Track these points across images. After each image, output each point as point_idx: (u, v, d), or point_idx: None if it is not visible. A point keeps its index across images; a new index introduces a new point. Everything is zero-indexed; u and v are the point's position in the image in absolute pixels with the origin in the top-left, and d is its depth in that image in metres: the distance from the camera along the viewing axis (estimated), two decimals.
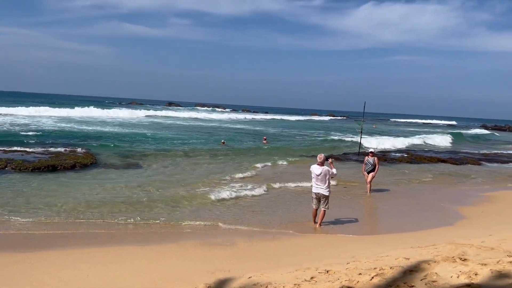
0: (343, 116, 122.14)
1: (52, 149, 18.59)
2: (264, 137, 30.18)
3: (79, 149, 18.85)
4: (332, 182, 10.77)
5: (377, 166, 14.57)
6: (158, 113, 64.03)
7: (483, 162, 24.49)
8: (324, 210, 9.57)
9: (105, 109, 56.71)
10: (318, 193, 9.58)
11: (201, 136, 31.25)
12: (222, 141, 26.07)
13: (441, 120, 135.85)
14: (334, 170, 9.71)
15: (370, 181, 14.33)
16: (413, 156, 25.01)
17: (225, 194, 11.81)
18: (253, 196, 11.99)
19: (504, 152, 32.83)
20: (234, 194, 11.90)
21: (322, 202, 9.59)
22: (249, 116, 77.47)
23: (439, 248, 7.20)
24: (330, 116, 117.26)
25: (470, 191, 14.81)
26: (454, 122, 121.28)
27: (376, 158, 14.82)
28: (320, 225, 9.52)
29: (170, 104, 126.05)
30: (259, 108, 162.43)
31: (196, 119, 57.49)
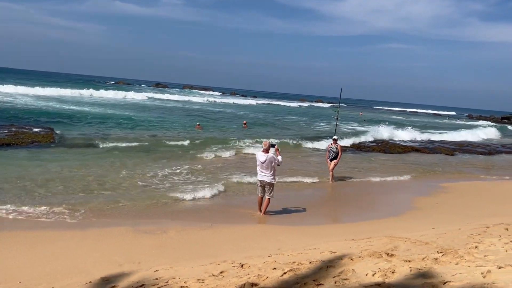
0: (331, 103, 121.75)
1: (14, 128, 18.00)
2: (244, 122, 29.75)
3: (37, 129, 18.19)
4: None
5: (339, 154, 14.38)
6: (155, 95, 62.25)
7: (456, 153, 24.45)
8: (269, 199, 9.24)
9: (90, 89, 55.35)
10: (263, 180, 9.24)
11: (180, 119, 30.72)
12: (198, 123, 25.55)
13: (429, 109, 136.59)
14: (279, 158, 9.35)
15: (333, 169, 14.13)
16: (387, 144, 24.86)
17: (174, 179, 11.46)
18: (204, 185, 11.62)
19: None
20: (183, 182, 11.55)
21: (267, 190, 9.26)
22: (237, 100, 76.39)
23: (373, 241, 6.98)
24: (318, 102, 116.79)
25: (431, 181, 14.64)
26: (450, 112, 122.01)
27: (339, 145, 14.67)
28: (264, 213, 9.21)
29: (157, 85, 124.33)
30: (248, 92, 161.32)
31: (183, 101, 56.57)
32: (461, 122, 68.76)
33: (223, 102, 65.39)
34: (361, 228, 8.28)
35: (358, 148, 22.43)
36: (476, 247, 6.62)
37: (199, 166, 13.58)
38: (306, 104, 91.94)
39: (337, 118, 26.83)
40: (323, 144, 20.68)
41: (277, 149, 9.50)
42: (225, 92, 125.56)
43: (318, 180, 13.35)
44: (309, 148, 20.92)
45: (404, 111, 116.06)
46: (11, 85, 47.63)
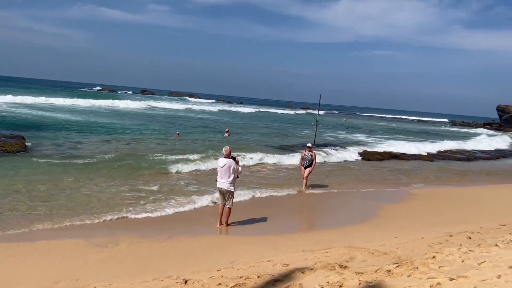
0: (311, 109, 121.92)
1: None
2: (226, 129, 29.44)
3: (6, 138, 17.77)
4: None
5: (314, 161, 14.25)
6: (140, 103, 60.91)
7: (435, 159, 24.57)
8: (229, 208, 8.89)
9: (74, 98, 54.48)
10: (221, 188, 8.82)
11: (163, 126, 30.38)
12: (177, 132, 25.19)
13: (411, 115, 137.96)
14: (239, 168, 9.02)
15: (307, 176, 13.98)
16: (366, 152, 24.89)
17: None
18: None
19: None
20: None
21: (226, 198, 8.90)
22: (223, 107, 75.83)
23: (331, 252, 6.83)
24: (305, 108, 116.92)
25: (402, 187, 14.59)
26: (434, 119, 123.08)
27: (313, 153, 14.51)
28: (226, 224, 8.90)
29: (143, 92, 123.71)
30: (235, 98, 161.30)
31: (168, 109, 56.01)
32: (454, 129, 69.01)
33: (209, 110, 64.95)
34: (323, 237, 8.12)
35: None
36: (433, 257, 6.50)
37: (166, 178, 13.16)
38: (292, 112, 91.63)
39: (316, 125, 27.20)
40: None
41: (237, 161, 9.11)
42: (212, 98, 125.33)
43: (290, 189, 13.16)
44: (286, 156, 20.64)
45: (393, 117, 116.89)
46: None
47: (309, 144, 14.89)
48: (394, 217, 10.26)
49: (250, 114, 64.53)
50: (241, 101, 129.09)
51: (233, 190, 8.92)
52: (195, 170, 14.94)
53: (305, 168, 14.09)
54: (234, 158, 8.93)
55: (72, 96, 58.01)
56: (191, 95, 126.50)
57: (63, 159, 14.74)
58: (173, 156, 16.24)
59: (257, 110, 77.02)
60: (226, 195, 8.87)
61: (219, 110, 66.68)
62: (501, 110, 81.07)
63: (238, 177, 9.07)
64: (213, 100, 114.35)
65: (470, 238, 7.93)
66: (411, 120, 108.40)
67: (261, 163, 17.61)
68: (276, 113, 75.39)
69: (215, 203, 10.13)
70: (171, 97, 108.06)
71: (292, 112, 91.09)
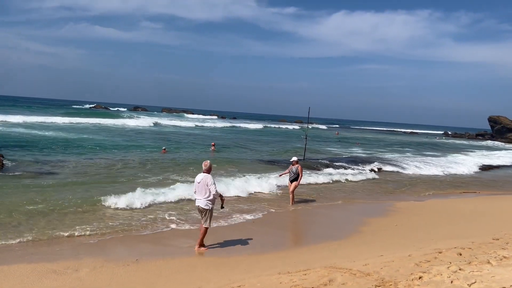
0: (312, 123, 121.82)
1: None
2: (213, 144, 28.95)
3: None
4: None
5: (300, 175, 13.76)
6: (129, 121, 58.96)
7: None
8: (206, 228, 8.12)
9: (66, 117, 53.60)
10: (198, 206, 8.15)
11: (150, 143, 29.78)
12: (163, 148, 24.68)
13: (404, 128, 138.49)
14: (213, 189, 8.03)
15: (293, 191, 13.48)
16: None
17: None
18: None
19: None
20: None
21: (202, 216, 8.17)
22: (215, 123, 74.63)
23: (309, 274, 6.25)
24: (297, 122, 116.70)
25: (391, 199, 14.10)
26: (426, 131, 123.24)
27: (299, 166, 14.00)
28: (200, 245, 8.11)
29: (136, 108, 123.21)
30: (228, 113, 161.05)
31: (157, 124, 55.31)
32: (450, 141, 68.22)
33: (201, 125, 64.15)
34: (303, 257, 7.55)
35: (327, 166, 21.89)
36: (420, 277, 5.97)
37: (143, 198, 12.38)
38: (284, 126, 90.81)
39: (306, 138, 26.75)
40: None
41: (222, 201, 8.38)
42: (205, 114, 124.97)
43: (273, 206, 12.60)
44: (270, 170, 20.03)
45: (386, 130, 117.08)
46: None
47: (294, 158, 14.35)
48: (381, 232, 9.72)
49: (240, 129, 63.77)
50: (234, 116, 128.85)
51: (209, 208, 8.15)
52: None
53: (291, 182, 13.62)
54: (222, 207, 8.43)
55: (65, 114, 57.23)
56: (184, 111, 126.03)
57: (38, 176, 14.13)
58: (152, 176, 15.61)
59: (247, 125, 74.95)
60: (203, 213, 8.16)
61: (209, 126, 65.04)
62: (492, 121, 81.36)
63: (213, 196, 8.14)
64: (206, 116, 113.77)
65: (460, 254, 7.41)
66: (403, 132, 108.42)
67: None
68: (269, 127, 75.01)
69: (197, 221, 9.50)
70: (169, 114, 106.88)
71: (284, 126, 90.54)
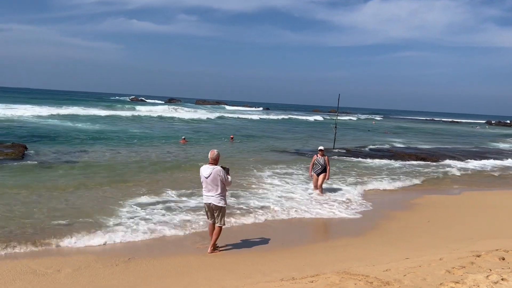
0: (346, 112, 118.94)
1: None
2: (231, 136, 28.25)
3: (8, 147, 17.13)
4: None
5: (328, 167, 12.54)
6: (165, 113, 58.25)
7: (469, 160, 22.35)
8: (220, 227, 7.18)
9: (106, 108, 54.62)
10: (209, 204, 7.18)
11: (174, 132, 29.43)
12: (183, 137, 24.34)
13: (445, 117, 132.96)
14: (229, 178, 7.23)
15: (321, 185, 12.30)
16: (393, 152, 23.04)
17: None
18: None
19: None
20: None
21: (216, 215, 7.20)
22: (245, 115, 73.29)
23: (317, 281, 5.31)
24: (332, 112, 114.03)
25: (422, 191, 12.81)
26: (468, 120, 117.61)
27: (326, 157, 12.77)
28: (213, 248, 7.11)
29: (171, 100, 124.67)
30: (263, 104, 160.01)
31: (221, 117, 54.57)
32: (498, 131, 63.59)
33: (266, 118, 62.74)
34: (314, 258, 6.58)
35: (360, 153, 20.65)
36: None
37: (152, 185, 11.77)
38: (319, 117, 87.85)
39: (335, 127, 25.48)
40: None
41: (228, 172, 7.29)
42: (239, 105, 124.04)
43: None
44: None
45: (424, 119, 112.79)
46: (27, 105, 48.43)
47: (321, 147, 13.06)
48: (409, 229, 8.58)
49: (271, 119, 62.23)
50: (268, 107, 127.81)
51: (223, 205, 7.21)
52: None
53: (318, 175, 12.46)
54: (225, 168, 7.21)
55: (106, 107, 58.22)
56: (218, 102, 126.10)
57: (54, 167, 13.81)
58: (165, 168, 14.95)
59: (279, 117, 72.97)
60: (216, 211, 7.18)
61: (238, 117, 62.77)
62: None
63: (227, 186, 7.30)
64: (239, 107, 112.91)
65: (503, 259, 6.23)
66: (443, 121, 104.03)
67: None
68: (299, 118, 72.96)
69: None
70: (212, 106, 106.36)
71: (319, 117, 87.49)
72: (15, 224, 7.68)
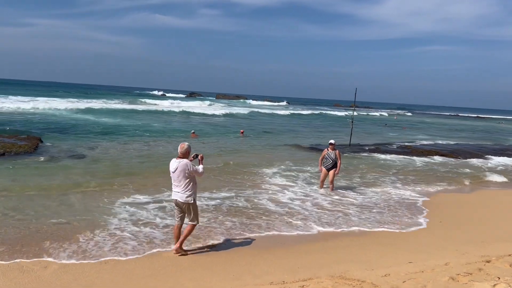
0: (367, 107, 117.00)
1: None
2: (241, 130, 27.94)
3: (22, 140, 17.32)
4: None
5: (339, 162, 11.99)
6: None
7: (490, 156, 21.45)
8: (192, 225, 6.64)
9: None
10: (176, 200, 6.61)
11: (188, 127, 29.35)
12: (193, 131, 24.24)
13: (471, 112, 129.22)
14: (200, 167, 6.65)
15: (332, 181, 11.81)
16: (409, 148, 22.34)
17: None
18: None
19: None
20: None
21: (186, 213, 6.66)
22: (265, 110, 72.30)
23: (308, 287, 5.00)
24: (352, 106, 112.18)
25: (433, 189, 12.24)
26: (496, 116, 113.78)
27: (337, 151, 12.22)
28: (180, 247, 6.51)
29: (191, 94, 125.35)
30: (282, 98, 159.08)
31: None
32: None
33: (298, 113, 61.96)
34: (310, 258, 6.21)
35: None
36: None
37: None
38: (341, 113, 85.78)
39: (352, 121, 24.88)
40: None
41: (202, 159, 6.84)
42: (257, 99, 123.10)
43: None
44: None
45: (448, 114, 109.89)
46: (50, 98, 49.93)
47: (331, 141, 12.41)
48: (417, 230, 8.13)
49: (287, 115, 61.26)
50: (288, 101, 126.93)
51: (191, 202, 6.59)
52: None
53: (328, 170, 11.96)
54: (197, 156, 6.80)
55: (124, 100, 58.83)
56: (238, 97, 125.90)
57: (54, 161, 13.82)
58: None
59: (294, 112, 71.40)
60: (184, 208, 6.63)
61: (258, 111, 62.31)
62: None
63: (199, 175, 6.69)
64: (260, 101, 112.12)
65: None
66: (467, 117, 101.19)
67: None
68: (322, 113, 71.97)
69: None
70: (235, 100, 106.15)
71: (341, 113, 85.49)
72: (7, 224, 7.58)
